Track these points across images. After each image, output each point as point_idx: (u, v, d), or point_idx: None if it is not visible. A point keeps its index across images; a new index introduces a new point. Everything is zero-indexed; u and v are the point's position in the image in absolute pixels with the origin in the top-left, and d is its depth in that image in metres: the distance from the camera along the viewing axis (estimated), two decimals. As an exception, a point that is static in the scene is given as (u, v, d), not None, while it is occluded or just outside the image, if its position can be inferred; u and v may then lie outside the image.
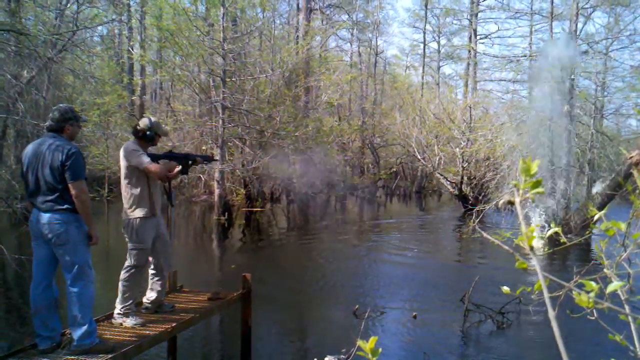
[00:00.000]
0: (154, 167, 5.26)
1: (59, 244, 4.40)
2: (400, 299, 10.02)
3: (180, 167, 5.53)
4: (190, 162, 5.68)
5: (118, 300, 5.32)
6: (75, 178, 4.40)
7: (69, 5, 20.89)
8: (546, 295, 1.29)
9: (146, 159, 5.24)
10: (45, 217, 4.40)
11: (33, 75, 16.13)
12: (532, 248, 1.32)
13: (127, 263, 5.37)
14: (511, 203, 1.37)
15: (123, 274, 5.34)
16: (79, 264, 4.44)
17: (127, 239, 5.39)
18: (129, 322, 5.20)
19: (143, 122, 5.47)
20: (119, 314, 5.28)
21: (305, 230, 19.78)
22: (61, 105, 4.72)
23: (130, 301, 5.31)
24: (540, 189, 1.34)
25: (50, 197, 4.41)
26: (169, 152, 5.80)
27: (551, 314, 1.24)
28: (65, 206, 4.41)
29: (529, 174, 1.33)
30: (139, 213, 5.31)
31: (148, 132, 5.41)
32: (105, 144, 27.26)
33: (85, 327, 4.41)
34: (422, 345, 7.21)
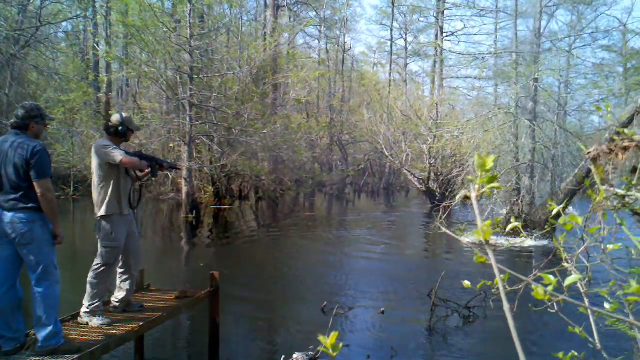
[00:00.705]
0: (128, 159, 5.23)
1: (23, 243, 4.33)
2: (368, 295, 10.08)
3: (149, 168, 5.53)
4: (158, 165, 5.68)
5: (85, 298, 5.25)
6: (41, 176, 4.34)
7: (32, 0, 20.54)
8: (501, 288, 1.33)
9: (120, 153, 5.21)
10: (8, 216, 4.33)
11: (-5, 73, 15.84)
12: (487, 242, 1.36)
13: (96, 261, 5.31)
14: (467, 198, 1.40)
15: (92, 273, 5.28)
16: (44, 263, 4.38)
17: (98, 238, 5.35)
18: (96, 321, 5.14)
19: (115, 118, 5.46)
20: (85, 312, 5.21)
21: (274, 228, 19.77)
22: (27, 102, 4.66)
23: (98, 300, 5.25)
24: (495, 184, 1.37)
25: (14, 196, 4.34)
26: (139, 153, 5.77)
27: (506, 306, 1.28)
28: (30, 205, 4.35)
29: (485, 169, 1.36)
30: (109, 211, 5.28)
31: (120, 128, 5.40)
32: (70, 141, 26.90)
33: (50, 328, 4.35)
34: (389, 341, 7.26)
